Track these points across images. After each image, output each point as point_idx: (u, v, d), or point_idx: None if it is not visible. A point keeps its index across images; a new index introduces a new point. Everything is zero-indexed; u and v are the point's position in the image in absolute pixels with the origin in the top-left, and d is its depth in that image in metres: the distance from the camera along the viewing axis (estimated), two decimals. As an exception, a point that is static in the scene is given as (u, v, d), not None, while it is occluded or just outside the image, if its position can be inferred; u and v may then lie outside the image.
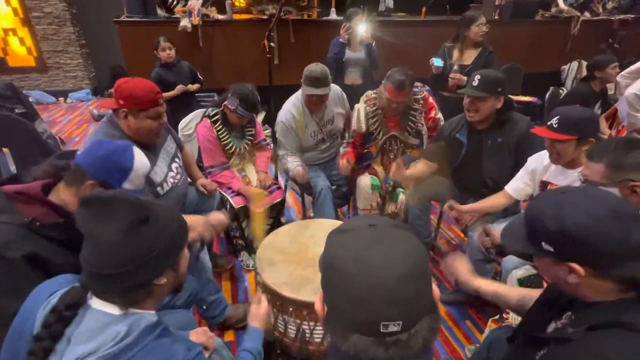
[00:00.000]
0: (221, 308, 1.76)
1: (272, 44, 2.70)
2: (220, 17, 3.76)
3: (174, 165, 1.73)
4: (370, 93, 2.20)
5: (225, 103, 2.04)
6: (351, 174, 2.29)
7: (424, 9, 4.49)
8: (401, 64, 2.01)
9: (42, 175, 1.06)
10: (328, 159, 2.47)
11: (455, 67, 2.67)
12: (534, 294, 1.02)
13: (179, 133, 2.25)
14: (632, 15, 4.85)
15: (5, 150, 2.31)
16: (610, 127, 2.80)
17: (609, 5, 4.96)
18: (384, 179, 2.28)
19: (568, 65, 4.72)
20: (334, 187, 2.33)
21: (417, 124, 2.15)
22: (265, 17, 3.68)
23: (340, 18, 3.66)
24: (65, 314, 0.72)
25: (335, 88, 2.34)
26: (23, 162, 2.41)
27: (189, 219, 1.40)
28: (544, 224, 0.73)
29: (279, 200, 2.24)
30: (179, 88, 3.12)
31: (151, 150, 1.61)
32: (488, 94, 1.74)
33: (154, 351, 0.74)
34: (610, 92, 4.37)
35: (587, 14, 4.59)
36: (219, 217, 1.48)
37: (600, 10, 4.93)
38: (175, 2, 3.79)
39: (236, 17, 3.89)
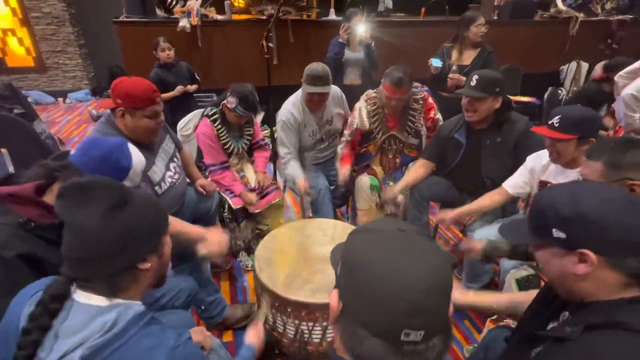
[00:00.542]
0: (220, 308, 1.76)
1: (270, 44, 2.69)
2: (219, 17, 3.76)
3: (172, 165, 1.73)
4: (370, 92, 2.20)
5: (224, 102, 2.04)
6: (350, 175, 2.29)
7: (423, 10, 4.50)
8: (400, 64, 2.01)
9: (35, 177, 1.06)
10: (327, 158, 2.47)
11: (454, 68, 2.67)
12: (524, 297, 1.02)
13: (177, 133, 2.25)
14: (631, 16, 4.86)
15: (3, 150, 2.30)
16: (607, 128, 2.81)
17: (608, 6, 4.97)
18: (383, 179, 2.28)
19: (567, 65, 4.72)
20: (332, 187, 2.33)
21: (416, 124, 2.15)
22: (264, 17, 3.69)
23: (340, 18, 3.66)
24: (51, 306, 0.72)
25: (334, 89, 2.34)
26: (21, 163, 2.41)
27: (208, 233, 1.39)
28: (558, 209, 0.72)
29: (277, 200, 2.24)
30: (179, 89, 3.13)
31: (149, 149, 1.61)
32: (486, 94, 1.74)
33: (145, 338, 0.73)
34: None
35: (582, 15, 4.59)
36: (220, 238, 1.42)
37: (599, 10, 4.94)
38: (174, 3, 3.79)
39: (235, 17, 3.90)
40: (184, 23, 3.47)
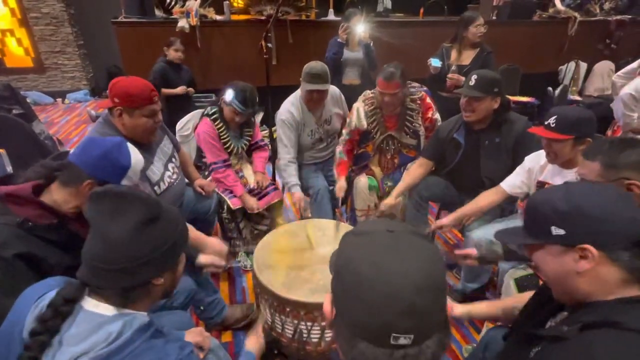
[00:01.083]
0: (219, 309, 1.76)
1: (269, 44, 2.70)
2: (218, 17, 3.77)
3: (170, 165, 1.73)
4: (368, 92, 2.20)
5: (221, 98, 2.04)
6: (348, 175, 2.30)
7: (422, 10, 4.51)
8: (398, 63, 2.01)
9: (35, 176, 1.06)
10: (325, 158, 2.47)
11: (454, 68, 2.68)
12: (519, 299, 1.03)
13: (176, 134, 2.25)
14: (629, 16, 4.87)
15: (1, 151, 2.30)
16: (606, 129, 2.82)
17: (606, 6, 4.98)
18: (382, 180, 2.28)
19: (565, 65, 4.73)
20: (331, 188, 2.33)
21: (414, 124, 2.15)
22: (263, 17, 3.69)
23: (338, 18, 3.67)
24: (62, 309, 0.72)
25: (333, 89, 2.34)
26: (20, 163, 2.40)
27: (207, 240, 1.39)
28: (555, 205, 0.72)
29: (277, 200, 2.24)
30: (182, 88, 3.20)
31: (147, 149, 1.61)
32: (485, 93, 1.75)
33: (147, 351, 0.73)
34: (608, 92, 4.39)
35: (577, 15, 4.60)
36: (219, 248, 1.44)
37: (598, 10, 4.95)
38: (173, 3, 3.79)
39: (234, 17, 3.90)
40: (182, 23, 3.47)
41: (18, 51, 5.48)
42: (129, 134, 1.52)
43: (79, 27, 5.69)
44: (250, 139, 2.25)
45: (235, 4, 4.20)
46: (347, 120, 2.24)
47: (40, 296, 0.77)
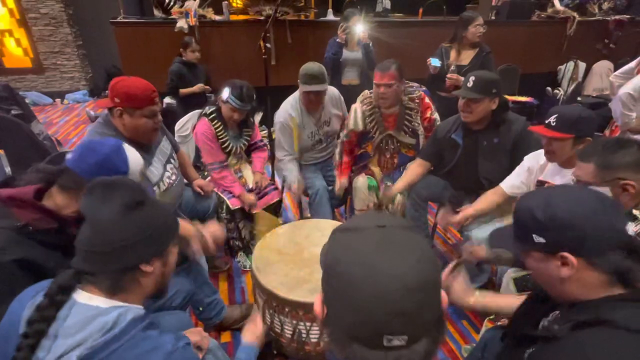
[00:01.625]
0: (218, 309, 1.76)
1: (268, 44, 2.70)
2: (217, 18, 3.77)
3: (169, 166, 1.73)
4: (367, 92, 2.20)
5: (219, 97, 2.04)
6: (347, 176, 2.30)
7: (421, 10, 4.51)
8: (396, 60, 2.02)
9: (34, 180, 1.05)
10: (325, 159, 2.48)
11: (453, 68, 2.68)
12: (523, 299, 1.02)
13: (175, 134, 2.24)
14: (628, 16, 4.88)
15: (0, 151, 2.30)
16: (604, 128, 2.82)
17: (605, 6, 4.99)
18: (381, 179, 2.28)
19: (564, 65, 4.74)
20: (330, 188, 2.33)
21: (413, 123, 2.16)
22: (262, 18, 3.69)
23: (337, 19, 3.67)
24: (58, 297, 0.74)
25: (332, 90, 2.34)
26: (19, 164, 2.40)
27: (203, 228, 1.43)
28: (534, 214, 0.74)
29: (275, 200, 2.24)
30: (200, 86, 3.28)
31: (146, 149, 1.60)
32: (483, 95, 1.75)
33: (143, 341, 0.74)
34: (607, 91, 4.40)
35: (576, 15, 4.61)
36: (216, 230, 1.48)
37: (596, 10, 4.96)
38: (171, 3, 3.79)
39: (233, 17, 3.90)
40: (181, 24, 3.47)
41: (17, 51, 5.47)
42: (129, 134, 1.52)
43: (78, 28, 5.68)
44: (249, 138, 2.25)
45: (234, 4, 4.20)
46: (346, 121, 2.24)
47: (34, 295, 0.77)
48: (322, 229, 1.77)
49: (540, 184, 1.63)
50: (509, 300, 1.13)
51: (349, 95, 2.45)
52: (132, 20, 3.52)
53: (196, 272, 1.66)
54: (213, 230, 1.47)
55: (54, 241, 1.02)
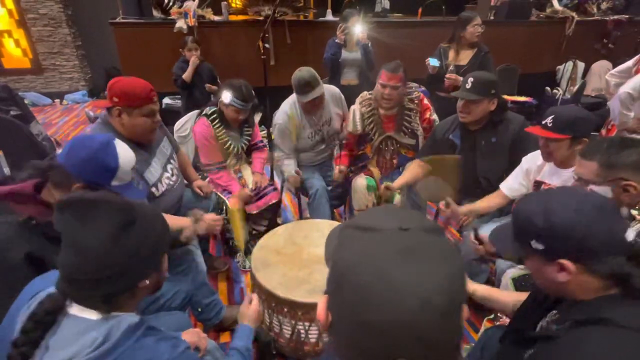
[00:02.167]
0: (217, 310, 1.76)
1: (267, 45, 2.70)
2: (216, 18, 3.77)
3: (169, 167, 1.73)
4: (365, 94, 2.21)
5: (220, 100, 2.04)
6: (347, 176, 2.30)
7: (420, 10, 4.51)
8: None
9: (33, 176, 1.06)
10: (324, 160, 2.48)
11: (451, 68, 2.68)
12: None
13: (174, 134, 2.24)
14: (626, 16, 4.89)
15: (-1, 152, 2.30)
16: (600, 127, 2.82)
17: (604, 6, 5.00)
18: (380, 180, 2.28)
19: (563, 65, 4.74)
20: (329, 188, 2.33)
21: (412, 124, 2.16)
22: (261, 18, 3.69)
23: (336, 19, 3.67)
24: (44, 319, 0.70)
25: (333, 89, 2.34)
26: (18, 165, 2.40)
27: (173, 220, 1.42)
28: (533, 221, 0.74)
29: (275, 201, 2.24)
30: (209, 86, 3.27)
31: (146, 149, 1.61)
32: (481, 96, 1.75)
33: (138, 352, 0.72)
34: (602, 91, 4.40)
35: (575, 15, 4.61)
36: (214, 219, 1.50)
37: (595, 10, 4.97)
38: (171, 4, 3.79)
39: (232, 18, 3.90)
40: (180, 24, 3.47)
41: (16, 52, 5.47)
42: (128, 133, 1.52)
43: (77, 28, 5.67)
44: (250, 138, 2.25)
45: (233, 5, 4.20)
46: (345, 123, 2.25)
47: (34, 294, 0.76)
48: (321, 229, 1.77)
49: (538, 184, 1.63)
50: (508, 294, 1.14)
51: (348, 95, 2.45)
52: (131, 21, 3.52)
53: (195, 273, 1.66)
54: (210, 218, 1.48)
55: (57, 234, 1.02)
